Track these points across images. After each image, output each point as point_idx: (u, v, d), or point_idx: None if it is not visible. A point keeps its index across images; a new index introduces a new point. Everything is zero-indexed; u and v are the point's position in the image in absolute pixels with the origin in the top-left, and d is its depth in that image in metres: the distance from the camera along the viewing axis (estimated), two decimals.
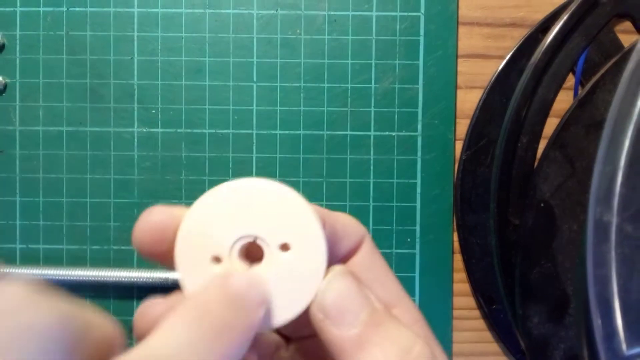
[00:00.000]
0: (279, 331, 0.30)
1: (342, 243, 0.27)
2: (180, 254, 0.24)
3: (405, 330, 0.24)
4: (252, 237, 0.24)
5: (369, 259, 0.27)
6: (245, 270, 0.24)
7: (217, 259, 0.24)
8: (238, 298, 0.22)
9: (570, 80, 0.43)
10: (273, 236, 0.24)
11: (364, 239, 0.27)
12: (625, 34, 0.44)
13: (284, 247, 0.24)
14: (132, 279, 0.44)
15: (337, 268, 0.24)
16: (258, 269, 0.24)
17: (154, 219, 0.24)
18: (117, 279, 0.44)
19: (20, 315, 0.19)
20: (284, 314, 0.24)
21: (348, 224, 0.27)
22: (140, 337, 0.24)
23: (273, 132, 0.45)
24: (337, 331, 0.23)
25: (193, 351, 0.20)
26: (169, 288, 0.44)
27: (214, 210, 0.24)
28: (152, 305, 0.25)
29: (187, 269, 0.24)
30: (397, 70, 0.45)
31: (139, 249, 0.24)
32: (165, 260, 0.25)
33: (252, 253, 0.25)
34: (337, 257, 0.27)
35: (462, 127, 0.45)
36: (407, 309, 0.27)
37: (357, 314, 0.23)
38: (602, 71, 0.39)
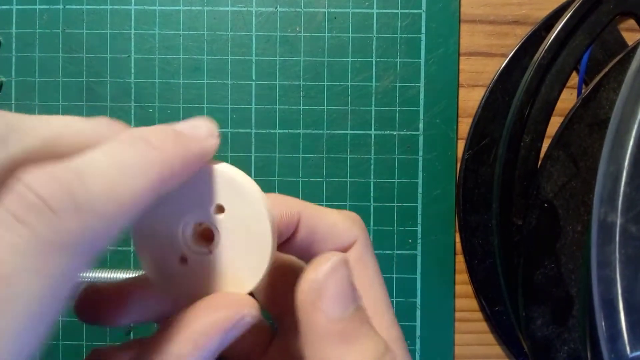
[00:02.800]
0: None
1: (324, 243, 0.26)
2: (142, 255, 0.25)
3: (380, 337, 0.24)
4: (197, 219, 0.24)
5: (355, 264, 0.26)
6: (202, 251, 0.25)
7: (180, 257, 0.25)
8: (181, 133, 0.22)
9: (574, 79, 0.42)
10: (211, 206, 0.24)
11: (354, 242, 0.27)
12: (629, 32, 0.43)
13: (220, 209, 0.24)
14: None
15: (340, 255, 0.24)
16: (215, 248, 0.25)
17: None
18: (114, 280, 0.44)
19: None
20: (249, 280, 0.25)
21: (337, 225, 0.27)
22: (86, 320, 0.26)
23: (272, 131, 0.45)
24: (323, 319, 0.23)
25: (125, 167, 0.18)
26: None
27: (158, 209, 0.24)
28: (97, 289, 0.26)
29: (151, 267, 0.25)
30: (398, 69, 0.45)
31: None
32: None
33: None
34: (314, 255, 0.26)
35: (464, 126, 0.45)
36: (383, 325, 0.26)
37: (347, 307, 0.23)
38: (606, 69, 0.39)
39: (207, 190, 0.24)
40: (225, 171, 0.25)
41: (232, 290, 0.24)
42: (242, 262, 0.25)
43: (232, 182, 0.25)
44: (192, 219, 0.24)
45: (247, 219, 0.24)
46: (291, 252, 0.27)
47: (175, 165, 0.20)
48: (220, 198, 0.25)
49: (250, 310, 0.22)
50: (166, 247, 0.24)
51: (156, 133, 0.20)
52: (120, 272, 0.44)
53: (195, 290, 0.25)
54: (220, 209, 0.24)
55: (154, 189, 0.19)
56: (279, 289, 0.29)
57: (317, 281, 0.23)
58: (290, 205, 0.26)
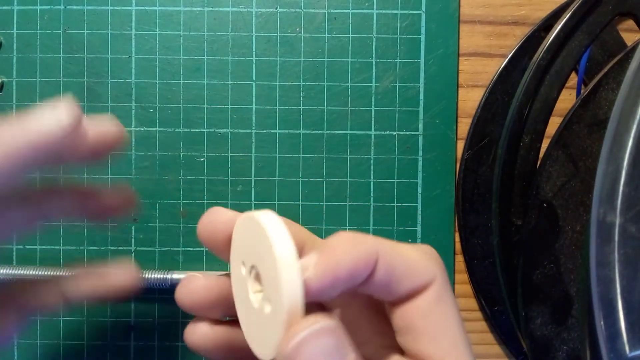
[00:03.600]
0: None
1: (402, 283, 0.25)
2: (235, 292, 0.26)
3: None
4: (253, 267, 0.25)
5: (429, 305, 0.25)
6: (258, 292, 0.25)
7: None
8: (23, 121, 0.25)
9: (573, 79, 0.42)
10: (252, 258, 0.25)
11: (433, 281, 0.25)
12: (628, 32, 0.44)
13: (254, 266, 0.25)
14: None
15: (318, 320, 0.22)
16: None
17: (212, 219, 0.27)
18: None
19: None
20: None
21: (415, 263, 0.25)
22: (183, 307, 0.28)
23: (272, 131, 0.45)
24: None
25: None
26: (167, 289, 0.44)
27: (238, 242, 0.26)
28: (193, 279, 0.28)
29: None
30: (397, 69, 0.45)
31: (203, 242, 0.27)
32: (221, 252, 0.27)
33: None
34: (392, 297, 0.25)
35: (464, 126, 0.45)
36: None
37: None
38: (605, 70, 0.39)
39: (252, 242, 0.25)
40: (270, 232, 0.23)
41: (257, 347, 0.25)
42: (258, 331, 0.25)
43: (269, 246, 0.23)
44: (247, 264, 0.25)
45: (276, 285, 0.23)
46: (369, 292, 0.25)
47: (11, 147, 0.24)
48: (256, 256, 0.24)
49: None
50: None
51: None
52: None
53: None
54: (255, 267, 0.25)
55: None
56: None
57: (284, 354, 0.22)
58: (368, 245, 0.24)
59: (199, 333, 0.28)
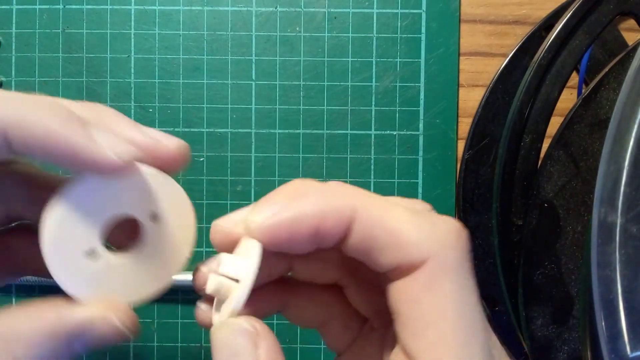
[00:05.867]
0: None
1: (381, 256, 0.21)
2: (50, 256, 0.24)
3: None
4: (123, 215, 0.25)
5: (417, 290, 0.21)
6: (115, 258, 0.25)
7: (90, 252, 0.25)
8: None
9: (574, 79, 0.42)
10: (142, 210, 0.25)
11: (426, 261, 0.21)
12: (629, 31, 0.43)
13: (153, 217, 0.26)
14: None
15: (231, 320, 0.22)
16: (133, 247, 0.26)
17: (221, 228, 0.24)
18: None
19: None
20: (156, 283, 0.26)
21: (403, 235, 0.21)
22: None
23: (272, 131, 0.45)
24: None
25: None
26: (168, 290, 0.44)
27: (81, 197, 0.24)
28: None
29: (61, 269, 0.24)
30: (398, 69, 0.45)
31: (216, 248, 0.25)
32: None
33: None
34: (376, 268, 0.22)
35: (465, 125, 0.45)
36: None
37: None
38: (606, 69, 0.39)
39: (140, 193, 0.25)
40: (159, 176, 0.26)
41: (121, 297, 0.25)
42: (147, 272, 0.26)
43: (167, 189, 0.26)
44: (118, 216, 0.25)
45: (173, 233, 0.26)
46: (351, 255, 0.23)
47: None
48: (154, 204, 0.25)
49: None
50: (80, 239, 0.25)
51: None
52: None
53: (91, 291, 0.25)
54: (153, 216, 0.25)
55: None
56: (370, 289, 0.26)
57: (210, 337, 0.22)
58: (342, 202, 0.21)
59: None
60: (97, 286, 0.25)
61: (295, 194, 0.23)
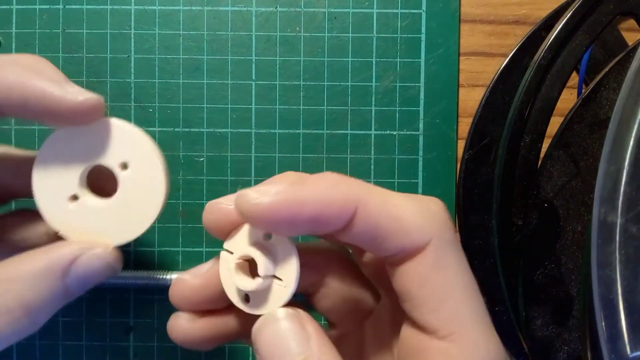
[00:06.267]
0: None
1: (387, 242, 0.23)
2: (40, 201, 0.29)
3: None
4: (95, 164, 0.29)
5: (426, 271, 0.23)
6: (97, 203, 0.29)
7: (74, 197, 0.29)
8: None
9: (574, 79, 0.42)
10: (114, 159, 0.29)
11: (428, 243, 0.23)
12: (629, 31, 0.43)
13: (124, 166, 0.29)
14: (129, 280, 0.44)
15: (281, 310, 0.23)
16: (112, 194, 0.29)
17: (219, 207, 0.26)
18: (113, 280, 0.44)
19: None
20: (124, 234, 0.30)
21: (406, 221, 0.23)
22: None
23: (272, 131, 0.45)
24: None
25: None
26: (167, 289, 0.44)
27: (60, 150, 0.29)
28: (180, 283, 0.29)
29: (50, 213, 0.29)
30: (398, 68, 0.45)
31: (210, 232, 0.27)
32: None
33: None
34: (380, 254, 0.24)
35: (465, 125, 0.45)
36: (462, 344, 0.23)
37: None
38: (606, 69, 0.39)
39: (110, 143, 0.29)
40: (128, 127, 0.30)
41: (103, 239, 0.29)
42: (125, 217, 0.30)
43: (135, 139, 0.30)
44: (93, 166, 0.29)
45: (144, 180, 0.30)
46: (354, 243, 0.24)
47: None
48: (123, 153, 0.29)
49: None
50: (63, 186, 0.29)
51: None
52: (120, 273, 0.44)
53: (77, 232, 0.29)
54: (123, 165, 0.29)
55: None
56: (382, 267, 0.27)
57: (252, 340, 0.23)
58: (347, 191, 0.22)
59: (178, 328, 0.29)
60: (82, 228, 0.29)
61: (299, 179, 0.24)
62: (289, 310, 0.23)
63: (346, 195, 0.22)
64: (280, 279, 0.24)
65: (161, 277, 0.43)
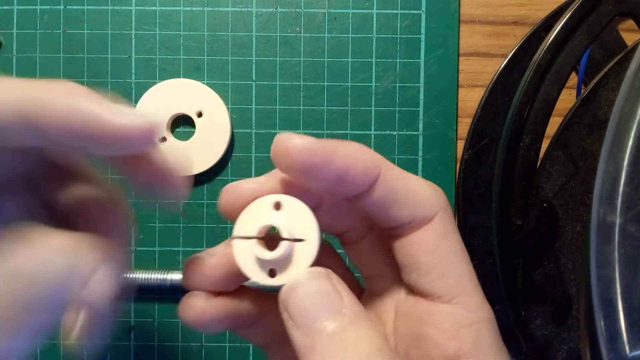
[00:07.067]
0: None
1: (404, 208, 0.25)
2: None
3: (366, 345, 0.22)
4: (179, 114, 0.44)
5: (434, 240, 0.25)
6: (179, 143, 0.45)
7: (162, 139, 0.44)
8: None
9: (573, 79, 0.42)
10: (192, 109, 0.44)
11: (436, 214, 0.25)
12: (628, 32, 0.44)
13: (199, 114, 0.44)
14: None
15: (311, 270, 0.24)
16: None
17: (235, 188, 0.27)
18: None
19: None
20: (202, 165, 0.44)
21: (419, 192, 0.25)
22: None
23: (272, 131, 0.45)
24: (295, 333, 0.23)
25: None
26: (167, 289, 0.44)
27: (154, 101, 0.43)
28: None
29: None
30: (397, 69, 0.45)
31: (224, 214, 0.27)
32: None
33: None
34: (393, 222, 0.25)
35: (464, 126, 0.45)
36: (470, 306, 0.26)
37: (313, 322, 0.22)
38: (605, 70, 0.39)
39: (188, 98, 0.44)
40: (200, 85, 0.44)
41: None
42: (202, 150, 0.44)
43: (208, 96, 0.44)
44: (177, 114, 0.44)
45: (215, 124, 0.44)
46: (369, 210, 0.25)
47: None
48: (201, 105, 0.44)
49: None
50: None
51: None
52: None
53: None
54: (200, 114, 0.44)
55: None
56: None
57: (282, 300, 0.23)
58: (374, 157, 0.24)
59: (195, 306, 0.28)
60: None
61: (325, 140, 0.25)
62: (319, 269, 0.24)
63: (372, 159, 0.24)
64: (301, 240, 0.25)
65: (161, 277, 0.43)
